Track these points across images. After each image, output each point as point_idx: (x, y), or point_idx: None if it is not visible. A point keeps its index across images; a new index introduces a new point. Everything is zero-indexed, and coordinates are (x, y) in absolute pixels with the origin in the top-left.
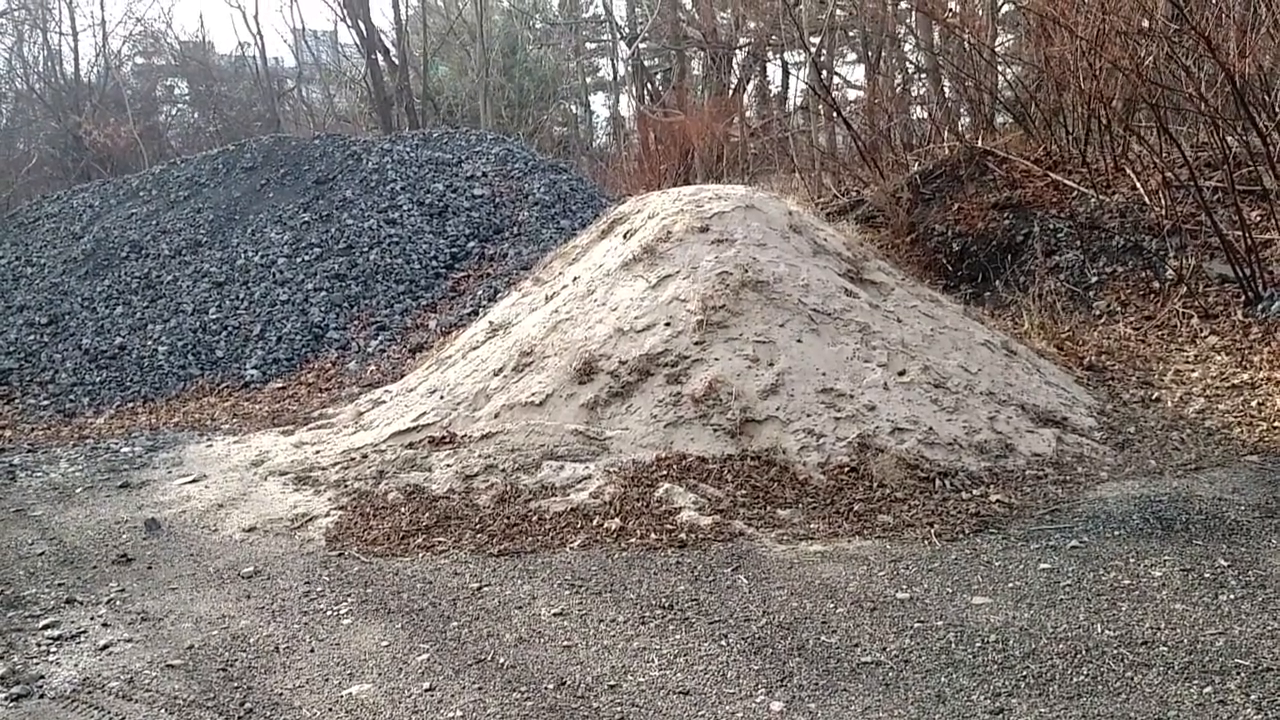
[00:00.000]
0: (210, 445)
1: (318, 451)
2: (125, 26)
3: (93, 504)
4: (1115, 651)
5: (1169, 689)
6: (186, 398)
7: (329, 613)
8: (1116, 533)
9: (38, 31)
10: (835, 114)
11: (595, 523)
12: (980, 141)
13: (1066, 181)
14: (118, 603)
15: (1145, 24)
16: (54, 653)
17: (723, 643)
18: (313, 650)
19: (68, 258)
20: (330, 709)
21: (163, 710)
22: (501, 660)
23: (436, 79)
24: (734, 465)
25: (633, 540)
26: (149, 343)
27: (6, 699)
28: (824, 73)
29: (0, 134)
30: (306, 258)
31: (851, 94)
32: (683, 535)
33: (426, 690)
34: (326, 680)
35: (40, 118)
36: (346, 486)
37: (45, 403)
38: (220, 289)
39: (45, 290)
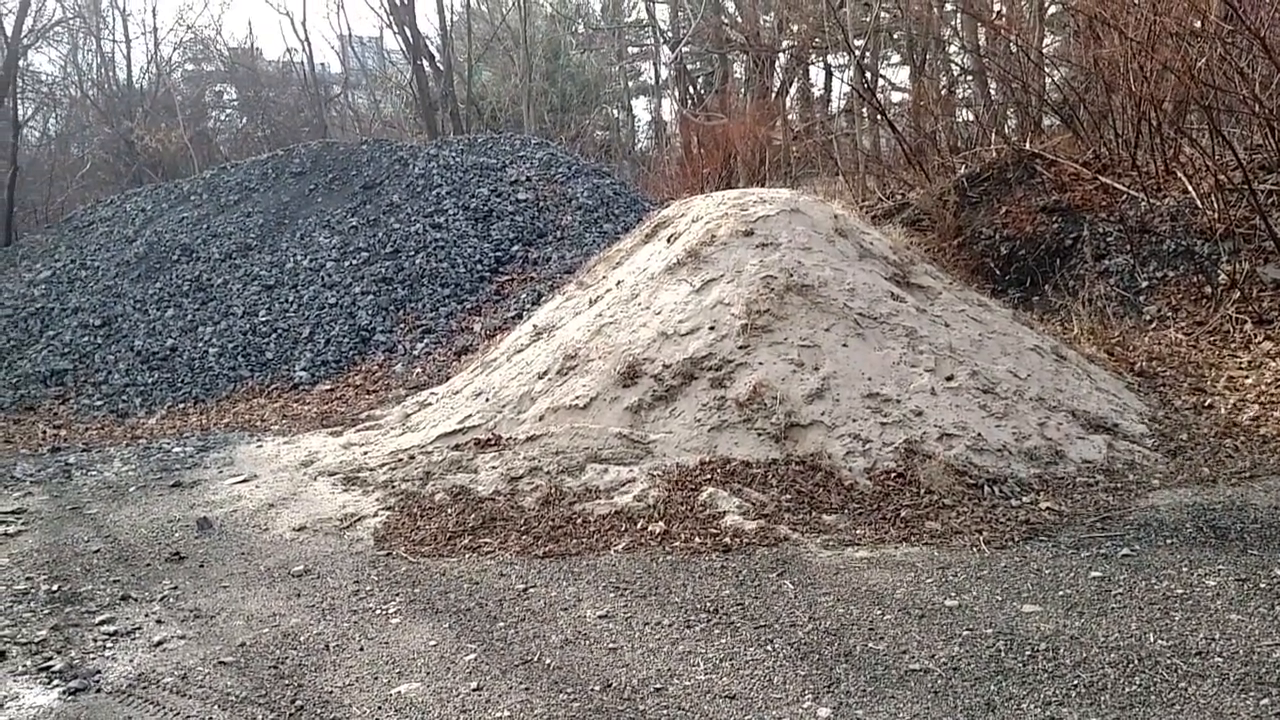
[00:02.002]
0: (260, 446)
1: (365, 452)
2: (176, 34)
3: (146, 502)
4: (1169, 662)
5: (1224, 700)
6: (236, 399)
7: (378, 612)
8: (1169, 541)
9: (91, 39)
10: (880, 116)
11: (639, 526)
12: (1028, 144)
13: (1116, 184)
14: (171, 600)
15: (1198, 25)
16: (110, 648)
17: (769, 648)
18: (362, 649)
19: (121, 261)
20: (379, 707)
21: (215, 706)
22: (548, 661)
23: (480, 84)
24: (778, 470)
25: (677, 544)
26: (200, 344)
27: (65, 693)
28: (868, 75)
29: (55, 140)
30: (354, 261)
31: (896, 96)
32: (727, 539)
33: (474, 690)
34: (376, 678)
35: (94, 123)
36: (394, 487)
37: (99, 403)
38: (270, 292)
39: (99, 293)
